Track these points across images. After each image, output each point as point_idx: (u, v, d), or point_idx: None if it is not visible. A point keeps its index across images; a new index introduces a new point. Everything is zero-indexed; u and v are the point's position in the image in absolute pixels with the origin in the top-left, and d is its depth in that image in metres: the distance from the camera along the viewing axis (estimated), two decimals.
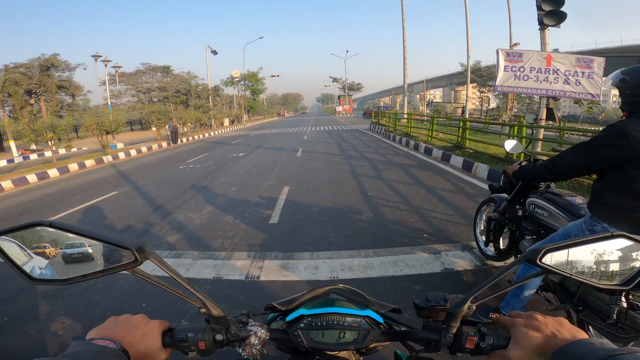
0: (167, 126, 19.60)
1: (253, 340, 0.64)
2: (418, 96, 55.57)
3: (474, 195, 5.51)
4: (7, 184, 8.70)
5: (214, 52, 32.60)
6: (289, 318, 0.72)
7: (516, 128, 7.56)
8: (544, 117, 7.73)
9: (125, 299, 2.88)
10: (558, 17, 6.98)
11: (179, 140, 19.44)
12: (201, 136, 24.06)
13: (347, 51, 70.14)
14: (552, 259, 0.58)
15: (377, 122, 22.03)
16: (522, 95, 22.85)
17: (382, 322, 0.73)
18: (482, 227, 3.28)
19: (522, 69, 7.54)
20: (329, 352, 0.72)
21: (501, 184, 2.80)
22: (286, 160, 10.54)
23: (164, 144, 18.37)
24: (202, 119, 28.72)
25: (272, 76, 55.92)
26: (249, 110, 50.31)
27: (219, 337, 0.62)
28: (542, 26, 7.28)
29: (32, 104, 26.05)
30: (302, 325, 0.70)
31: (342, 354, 0.74)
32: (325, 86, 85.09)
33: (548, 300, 2.21)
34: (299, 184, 6.92)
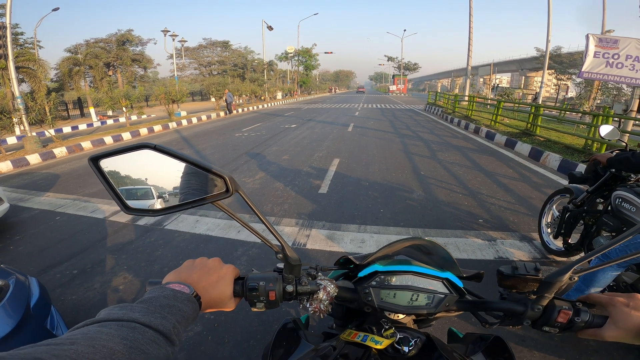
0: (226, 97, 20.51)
1: (321, 295, 0.61)
2: (482, 80, 51.33)
3: (540, 185, 5.01)
4: (87, 145, 9.83)
5: (270, 28, 32.79)
6: (362, 274, 0.68)
7: (601, 118, 6.69)
8: (635, 108, 6.91)
9: (180, 256, 3.08)
10: None
11: (232, 109, 20.18)
12: (255, 107, 24.83)
13: (405, 30, 66.25)
14: None
15: (433, 103, 20.85)
16: (610, 85, 20.19)
17: (462, 287, 0.67)
18: (550, 219, 3.02)
19: (616, 56, 7.07)
20: (390, 316, 0.68)
21: (584, 173, 2.57)
22: (337, 134, 10.50)
23: (222, 114, 19.32)
24: (257, 92, 29.54)
25: (325, 53, 55.25)
26: (302, 85, 50.53)
27: (289, 288, 0.61)
28: None
29: (110, 75, 28.84)
30: (374, 283, 0.65)
31: (404, 319, 0.70)
32: (380, 65, 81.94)
33: None
34: (350, 158, 6.89)
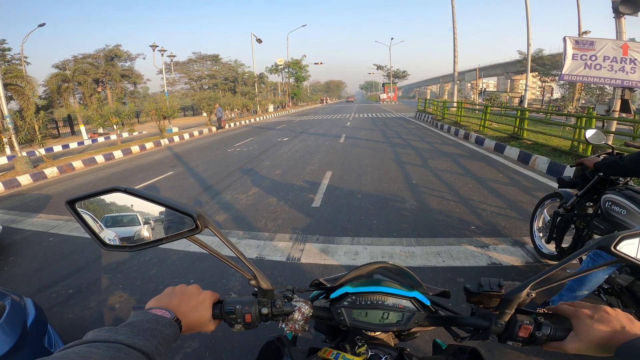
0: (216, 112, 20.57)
1: (297, 316, 0.65)
2: (469, 84, 52.39)
3: (530, 189, 5.10)
4: (78, 164, 9.73)
5: (259, 41, 33.16)
6: (334, 295, 0.71)
7: (584, 119, 6.83)
8: (617, 108, 7.09)
9: (175, 275, 3.08)
10: (635, 4, 6.38)
11: (222, 125, 20.09)
12: (247, 121, 24.86)
13: (392, 38, 67.88)
14: (631, 248, 0.52)
15: (423, 110, 21.16)
16: (592, 85, 20.71)
17: (429, 304, 0.71)
18: (541, 224, 3.03)
19: (593, 58, 7.13)
20: (368, 333, 0.71)
21: (572, 177, 2.57)
22: (329, 145, 10.57)
23: (214, 129, 19.31)
24: (248, 105, 29.65)
25: (315, 63, 55.79)
26: (293, 97, 50.92)
27: (264, 310, 0.64)
28: (618, 14, 6.78)
29: (99, 92, 28.74)
30: (345, 303, 0.69)
31: (382, 336, 0.73)
32: (369, 74, 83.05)
33: (610, 305, 2.01)
34: (342, 170, 6.93)
